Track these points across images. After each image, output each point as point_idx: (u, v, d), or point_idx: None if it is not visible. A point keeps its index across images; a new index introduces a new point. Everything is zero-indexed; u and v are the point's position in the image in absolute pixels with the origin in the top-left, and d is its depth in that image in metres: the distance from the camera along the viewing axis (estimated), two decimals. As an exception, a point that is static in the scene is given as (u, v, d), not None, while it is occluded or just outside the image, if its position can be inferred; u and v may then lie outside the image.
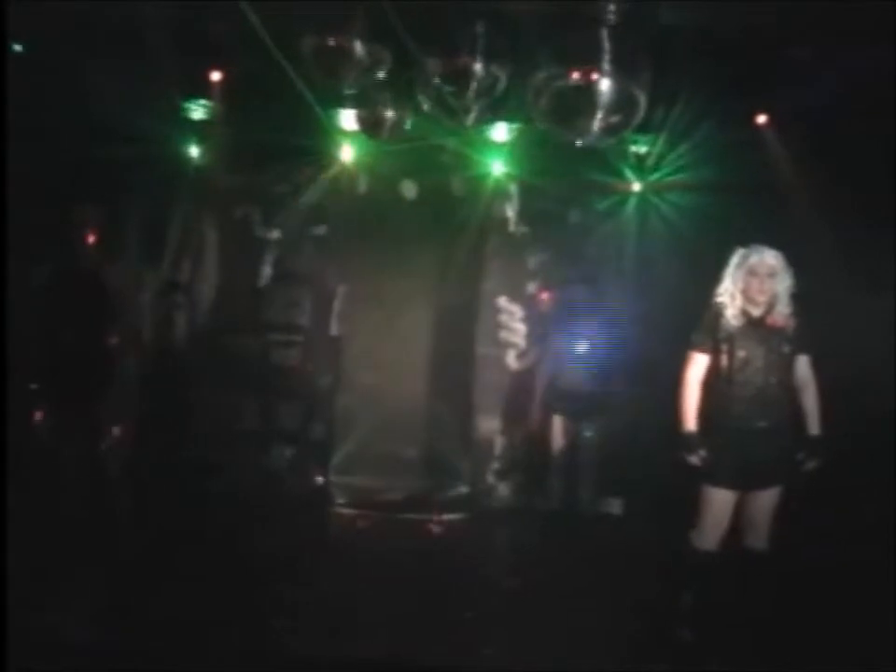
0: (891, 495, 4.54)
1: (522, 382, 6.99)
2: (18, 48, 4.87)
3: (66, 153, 5.30)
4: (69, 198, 4.62)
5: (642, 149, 6.23)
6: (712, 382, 4.00)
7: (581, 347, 6.28)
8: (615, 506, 6.58)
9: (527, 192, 6.95)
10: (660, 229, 6.41)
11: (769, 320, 3.93)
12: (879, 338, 4.80)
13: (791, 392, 3.98)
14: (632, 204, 6.61)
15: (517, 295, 7.16)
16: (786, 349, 3.93)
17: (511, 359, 7.12)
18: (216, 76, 5.70)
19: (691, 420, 4.00)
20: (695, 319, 4.18)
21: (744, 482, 3.93)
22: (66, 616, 3.74)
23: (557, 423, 6.26)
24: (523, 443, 6.92)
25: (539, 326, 6.95)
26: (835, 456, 4.02)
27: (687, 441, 3.99)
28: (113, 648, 3.56)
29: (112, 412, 4.51)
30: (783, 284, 3.90)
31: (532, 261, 7.23)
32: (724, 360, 3.94)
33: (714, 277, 4.10)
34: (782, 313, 3.92)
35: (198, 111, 6.20)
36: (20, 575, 3.24)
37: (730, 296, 3.95)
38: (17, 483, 3.58)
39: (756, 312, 3.94)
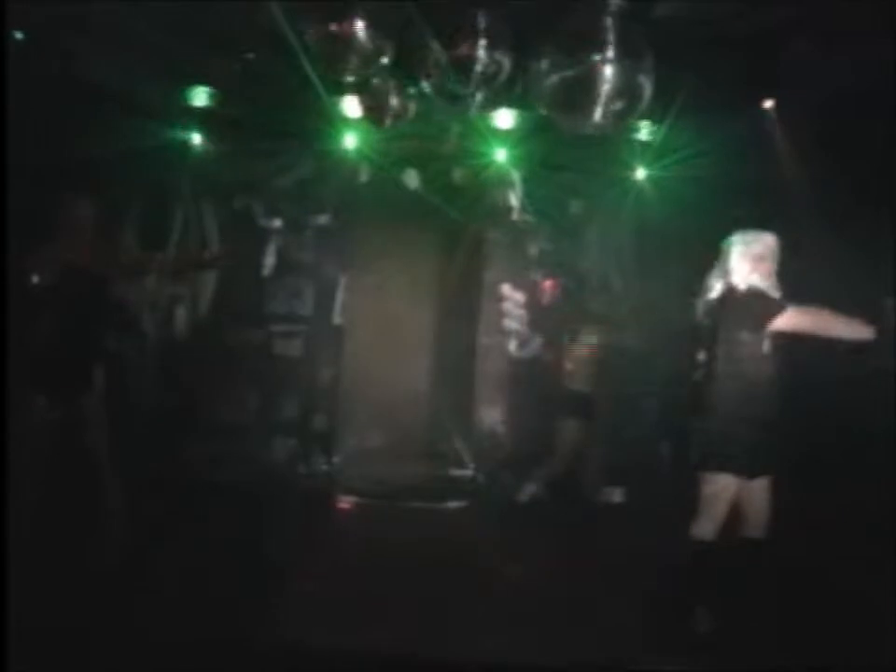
0: (892, 487, 4.53)
1: (524, 370, 6.98)
2: (17, 35, 4.84)
3: (64, 143, 5.26)
4: (68, 189, 4.58)
5: (646, 138, 6.19)
6: (716, 369, 3.98)
7: (581, 336, 6.28)
8: (617, 495, 6.58)
9: (531, 180, 6.93)
10: (662, 218, 6.37)
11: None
12: (881, 329, 4.77)
13: (791, 379, 3.98)
14: (635, 193, 6.57)
15: (520, 283, 7.15)
16: (782, 335, 3.92)
17: (514, 348, 7.10)
18: (217, 64, 5.65)
19: (697, 408, 4.00)
20: (698, 308, 4.17)
21: (747, 469, 3.93)
22: (65, 613, 3.73)
23: (560, 411, 6.24)
24: (525, 432, 6.92)
25: (541, 314, 6.95)
26: (835, 449, 4.01)
27: (695, 429, 4.00)
28: (112, 644, 3.57)
29: (114, 404, 4.49)
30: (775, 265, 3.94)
31: (535, 250, 7.23)
32: (728, 347, 3.92)
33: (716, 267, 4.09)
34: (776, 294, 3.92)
35: (199, 99, 6.15)
36: (19, 573, 3.24)
37: (734, 282, 3.94)
38: (17, 479, 3.60)
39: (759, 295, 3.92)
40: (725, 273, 3.99)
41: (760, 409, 3.89)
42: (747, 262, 3.93)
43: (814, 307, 3.84)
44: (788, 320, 3.81)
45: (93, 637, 3.57)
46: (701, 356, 4.06)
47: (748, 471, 3.93)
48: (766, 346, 3.87)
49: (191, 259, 6.10)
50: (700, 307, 4.14)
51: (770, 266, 3.92)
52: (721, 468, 3.93)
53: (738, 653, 3.85)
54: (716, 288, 4.03)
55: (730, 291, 3.98)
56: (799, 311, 3.82)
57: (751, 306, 3.90)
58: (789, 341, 3.90)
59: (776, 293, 3.92)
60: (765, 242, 3.96)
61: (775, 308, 3.84)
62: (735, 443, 3.90)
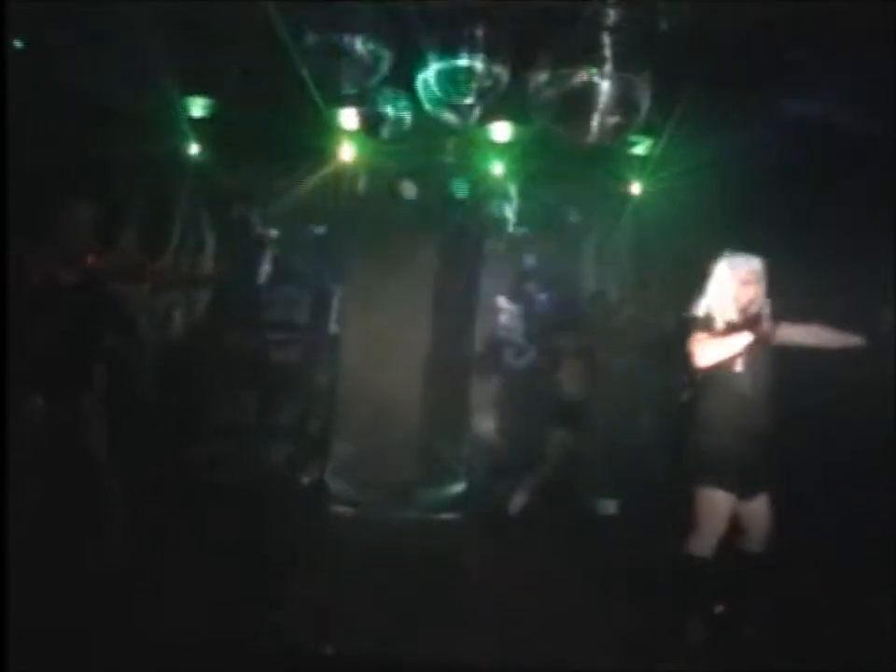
0: (891, 497, 4.56)
1: (519, 381, 7.01)
2: (17, 42, 4.87)
3: (64, 146, 5.29)
4: (68, 191, 4.61)
5: (643, 151, 6.25)
6: (701, 386, 4.01)
7: (576, 348, 6.32)
8: (611, 507, 6.60)
9: (527, 193, 6.98)
10: (659, 230, 6.43)
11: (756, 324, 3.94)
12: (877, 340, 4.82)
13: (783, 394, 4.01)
14: (631, 206, 6.64)
15: (516, 294, 7.20)
16: (773, 351, 3.95)
17: (509, 359, 7.15)
18: (216, 72, 5.69)
19: (687, 425, 4.03)
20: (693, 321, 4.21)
21: (742, 484, 3.94)
22: (65, 613, 3.73)
23: (553, 420, 6.27)
24: (519, 443, 6.94)
25: (537, 326, 6.99)
26: (833, 462, 4.02)
27: (686, 447, 4.03)
28: (112, 644, 3.57)
29: (111, 409, 4.51)
30: (763, 287, 3.94)
31: (531, 261, 7.28)
32: (718, 365, 3.92)
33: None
34: (766, 315, 3.92)
35: (198, 108, 6.19)
36: (19, 573, 3.24)
37: (720, 305, 3.96)
38: (17, 479, 3.61)
39: (745, 317, 3.94)
40: (706, 295, 4.00)
41: (749, 425, 3.88)
42: (731, 285, 3.93)
43: (802, 320, 3.86)
44: (778, 334, 3.84)
45: (93, 637, 3.58)
46: (686, 374, 4.05)
47: (740, 489, 3.92)
48: (749, 361, 3.88)
49: (187, 275, 6.14)
50: (683, 326, 4.15)
51: (756, 289, 3.89)
52: (713, 485, 3.92)
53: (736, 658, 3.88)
54: (694, 309, 4.04)
55: (710, 311, 3.97)
56: (788, 324, 3.85)
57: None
58: (780, 354, 3.92)
59: (763, 314, 3.92)
60: (752, 265, 3.92)
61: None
62: (726, 461, 3.89)
